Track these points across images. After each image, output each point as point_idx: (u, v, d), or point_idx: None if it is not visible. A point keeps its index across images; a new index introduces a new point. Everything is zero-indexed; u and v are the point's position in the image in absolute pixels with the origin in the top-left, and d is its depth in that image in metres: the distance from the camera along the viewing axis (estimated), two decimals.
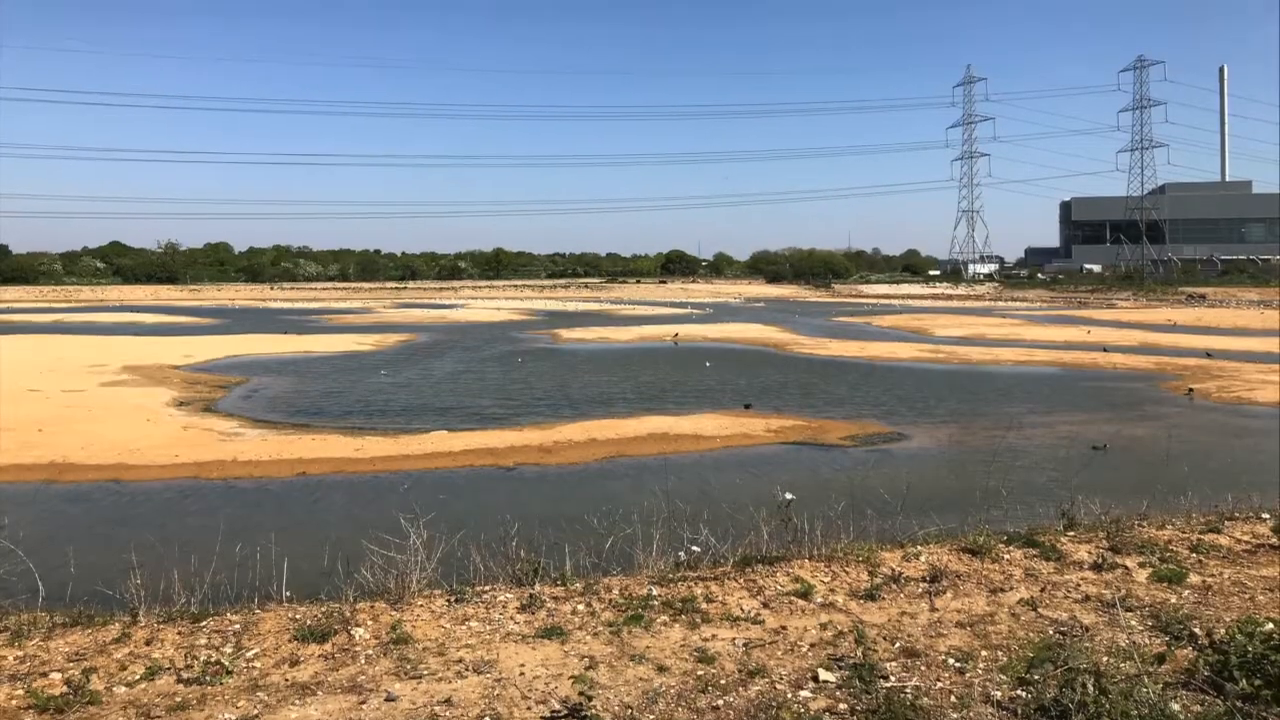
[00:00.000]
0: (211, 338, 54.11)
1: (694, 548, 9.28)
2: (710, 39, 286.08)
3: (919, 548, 9.49)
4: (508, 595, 8.04)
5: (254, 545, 9.47)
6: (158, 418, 24.94)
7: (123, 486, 17.67)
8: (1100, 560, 9.08)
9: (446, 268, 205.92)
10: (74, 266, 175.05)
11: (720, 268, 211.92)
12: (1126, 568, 8.94)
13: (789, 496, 9.99)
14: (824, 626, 7.29)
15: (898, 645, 6.86)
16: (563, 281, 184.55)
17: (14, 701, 5.90)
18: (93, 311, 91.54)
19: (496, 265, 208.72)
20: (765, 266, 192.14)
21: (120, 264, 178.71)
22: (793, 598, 8.02)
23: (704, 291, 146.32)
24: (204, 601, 7.88)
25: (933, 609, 7.74)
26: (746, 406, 27.51)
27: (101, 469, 18.79)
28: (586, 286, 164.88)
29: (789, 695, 5.92)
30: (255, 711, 5.72)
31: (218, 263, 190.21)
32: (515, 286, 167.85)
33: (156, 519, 15.49)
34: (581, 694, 5.61)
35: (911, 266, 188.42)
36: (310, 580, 9.58)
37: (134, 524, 15.08)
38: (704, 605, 7.72)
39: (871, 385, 33.23)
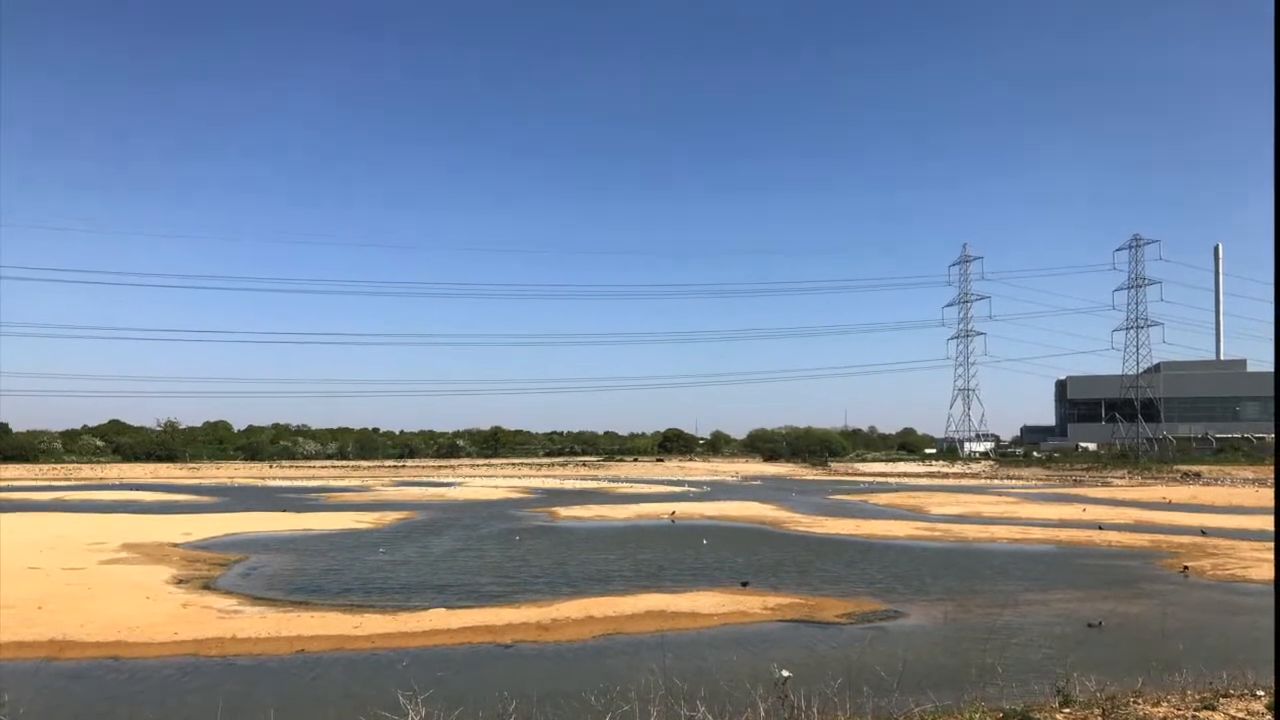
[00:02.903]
0: (211, 516, 54.11)
1: None
2: (708, 216, 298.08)
3: None
4: None
5: None
6: (157, 595, 24.98)
7: (122, 664, 17.70)
8: None
9: (445, 446, 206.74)
10: (74, 444, 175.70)
11: (717, 446, 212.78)
12: None
13: (785, 674, 10.25)
14: None
15: None
16: (560, 459, 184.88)
17: None
18: (93, 489, 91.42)
19: (494, 443, 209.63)
20: (762, 445, 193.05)
21: (120, 442, 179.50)
22: None
23: (701, 470, 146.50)
24: None
25: None
26: (744, 584, 27.59)
27: (101, 646, 18.83)
28: (584, 465, 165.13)
29: None
30: None
31: (217, 441, 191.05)
32: (513, 464, 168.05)
33: (156, 696, 15.51)
34: None
35: (908, 445, 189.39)
36: None
37: (133, 701, 15.12)
38: None
39: (868, 563, 33.30)
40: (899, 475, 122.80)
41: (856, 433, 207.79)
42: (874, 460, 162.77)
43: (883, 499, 72.58)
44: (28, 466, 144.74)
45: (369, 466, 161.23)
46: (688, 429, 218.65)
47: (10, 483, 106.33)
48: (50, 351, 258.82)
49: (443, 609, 23.39)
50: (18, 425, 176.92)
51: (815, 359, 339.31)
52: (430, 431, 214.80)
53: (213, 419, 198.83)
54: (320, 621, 21.63)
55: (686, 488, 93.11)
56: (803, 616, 22.93)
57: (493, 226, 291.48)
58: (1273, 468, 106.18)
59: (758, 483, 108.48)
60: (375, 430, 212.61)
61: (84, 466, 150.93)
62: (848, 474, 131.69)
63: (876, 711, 10.51)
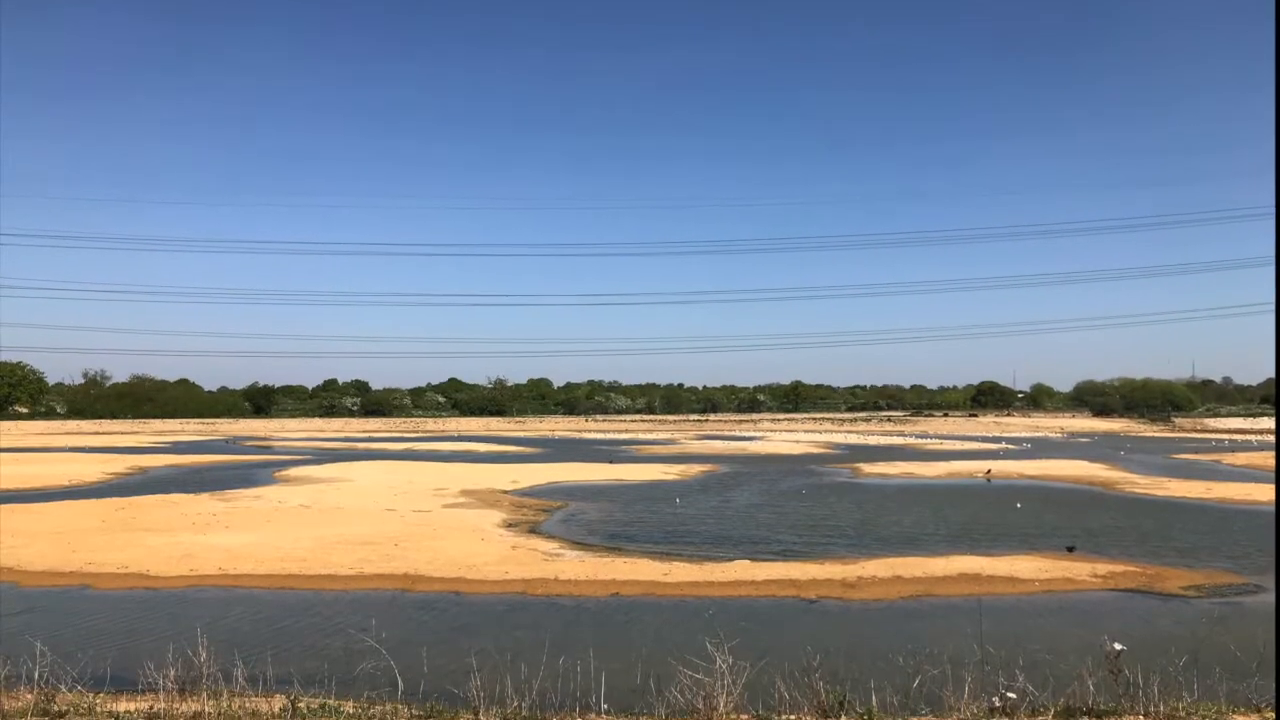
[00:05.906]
0: (534, 465, 58.90)
1: (1009, 694, 8.83)
2: (1038, 149, 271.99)
3: None
4: None
5: (574, 659, 10.23)
6: (490, 537, 27.51)
7: (462, 598, 19.65)
8: None
9: (745, 400, 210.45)
10: (420, 400, 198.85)
11: (1038, 400, 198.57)
12: None
13: (1118, 647, 9.24)
14: None
15: None
16: (863, 415, 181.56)
17: None
18: (435, 440, 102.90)
19: (794, 398, 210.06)
20: (1091, 398, 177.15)
21: (457, 398, 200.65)
22: None
23: (1020, 425, 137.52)
24: (533, 707, 8.66)
25: None
26: (1069, 549, 25.42)
27: (445, 581, 21.03)
28: (889, 420, 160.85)
29: None
30: None
31: (539, 396, 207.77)
32: (814, 419, 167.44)
33: (491, 629, 17.05)
34: None
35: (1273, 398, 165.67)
36: (623, 695, 10.21)
37: (472, 632, 16.72)
38: None
39: (1221, 531, 29.48)
40: (1261, 432, 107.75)
41: (1207, 384, 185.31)
42: (1229, 416, 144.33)
43: (1241, 459, 64.11)
44: (384, 420, 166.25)
45: (674, 420, 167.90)
46: (1004, 382, 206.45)
47: (371, 434, 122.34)
48: (401, 316, 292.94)
49: (746, 561, 23.69)
50: (376, 384, 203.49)
51: (1154, 302, 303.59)
52: (731, 386, 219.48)
53: (535, 376, 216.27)
54: (632, 567, 22.71)
55: (1004, 444, 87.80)
56: (1139, 586, 20.72)
57: (792, 181, 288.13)
58: None
59: (1085, 440, 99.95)
60: (680, 386, 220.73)
61: (429, 420, 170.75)
62: (1196, 430, 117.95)
63: (1231, 696, 9.14)
